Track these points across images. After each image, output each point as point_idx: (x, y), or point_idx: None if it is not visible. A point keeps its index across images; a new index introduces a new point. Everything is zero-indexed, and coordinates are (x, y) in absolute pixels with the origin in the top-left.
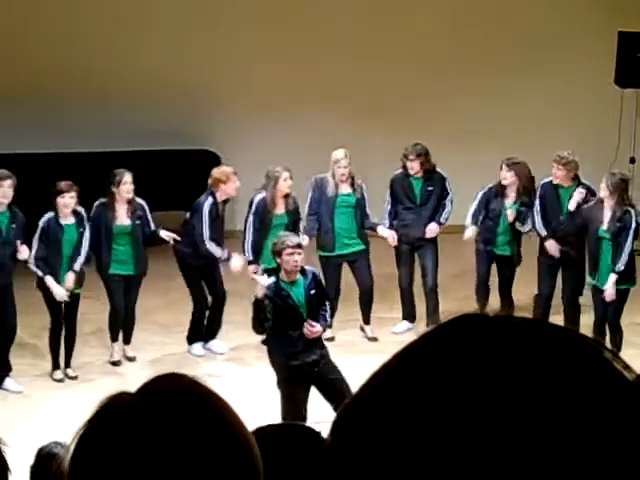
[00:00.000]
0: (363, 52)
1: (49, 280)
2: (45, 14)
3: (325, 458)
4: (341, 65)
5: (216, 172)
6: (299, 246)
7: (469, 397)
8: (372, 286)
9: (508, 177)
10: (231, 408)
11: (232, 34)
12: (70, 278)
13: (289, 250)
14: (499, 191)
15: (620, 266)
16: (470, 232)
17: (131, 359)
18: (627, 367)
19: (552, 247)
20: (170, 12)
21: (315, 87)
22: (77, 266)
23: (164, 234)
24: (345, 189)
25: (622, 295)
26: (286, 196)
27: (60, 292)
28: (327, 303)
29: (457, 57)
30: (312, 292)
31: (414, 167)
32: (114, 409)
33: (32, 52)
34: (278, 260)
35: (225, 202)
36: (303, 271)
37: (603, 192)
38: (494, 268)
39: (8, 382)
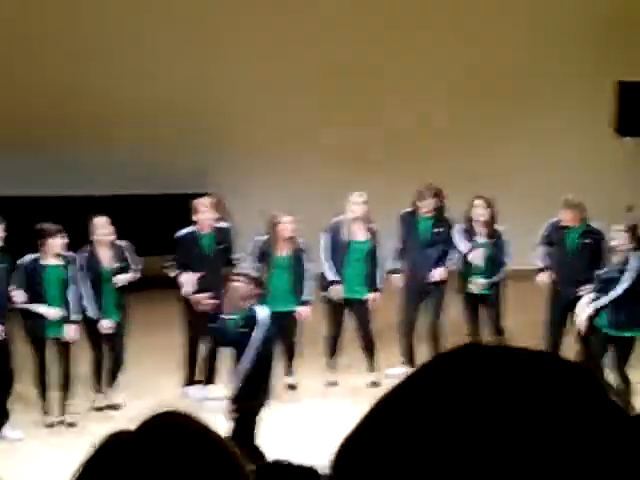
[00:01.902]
0: (369, 99)
1: (31, 306)
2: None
3: None
4: (347, 108)
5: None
6: (240, 275)
7: (468, 428)
8: (370, 335)
9: (486, 214)
10: (228, 442)
11: (236, 77)
12: (70, 331)
13: (231, 277)
14: (472, 230)
15: None
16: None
17: (116, 407)
18: (624, 399)
19: (543, 279)
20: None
21: (321, 130)
22: (76, 316)
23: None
24: (360, 235)
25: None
26: (290, 239)
27: (53, 311)
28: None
29: (458, 106)
30: (241, 330)
31: (428, 206)
32: (114, 446)
33: (33, 98)
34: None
35: (218, 241)
36: (250, 308)
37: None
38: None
39: (6, 430)
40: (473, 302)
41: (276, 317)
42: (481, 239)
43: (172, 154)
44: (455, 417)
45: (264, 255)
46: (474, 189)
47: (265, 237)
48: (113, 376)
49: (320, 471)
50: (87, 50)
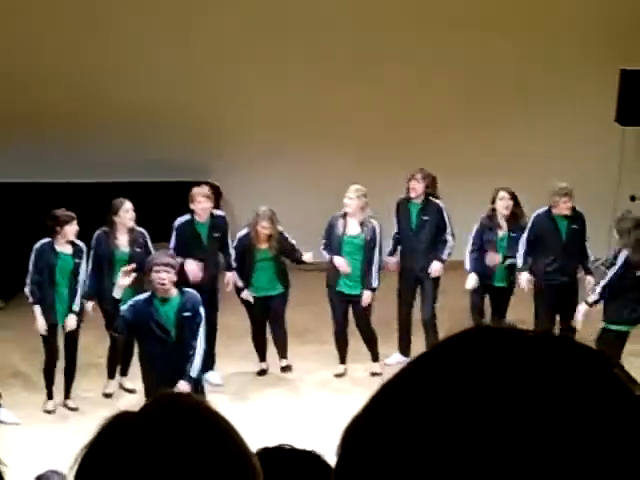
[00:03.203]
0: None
1: (36, 309)
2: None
3: (335, 474)
4: (346, 103)
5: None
6: (167, 265)
7: (477, 410)
8: (368, 329)
9: (510, 206)
10: (233, 427)
11: (238, 70)
12: (71, 321)
13: (156, 267)
14: (494, 222)
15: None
16: (473, 281)
17: (131, 391)
18: (633, 381)
19: (524, 281)
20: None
21: (320, 124)
22: (76, 306)
23: None
24: (354, 229)
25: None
26: (270, 236)
27: (41, 325)
28: (197, 345)
29: (459, 98)
30: (185, 314)
31: (416, 188)
32: (118, 425)
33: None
34: (150, 276)
35: (215, 228)
36: (182, 292)
37: None
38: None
39: (3, 413)
40: (484, 293)
41: (262, 301)
42: (501, 232)
43: (174, 147)
44: (465, 398)
45: (246, 248)
46: (475, 179)
47: (246, 232)
48: (125, 363)
49: (323, 457)
50: (103, 58)
